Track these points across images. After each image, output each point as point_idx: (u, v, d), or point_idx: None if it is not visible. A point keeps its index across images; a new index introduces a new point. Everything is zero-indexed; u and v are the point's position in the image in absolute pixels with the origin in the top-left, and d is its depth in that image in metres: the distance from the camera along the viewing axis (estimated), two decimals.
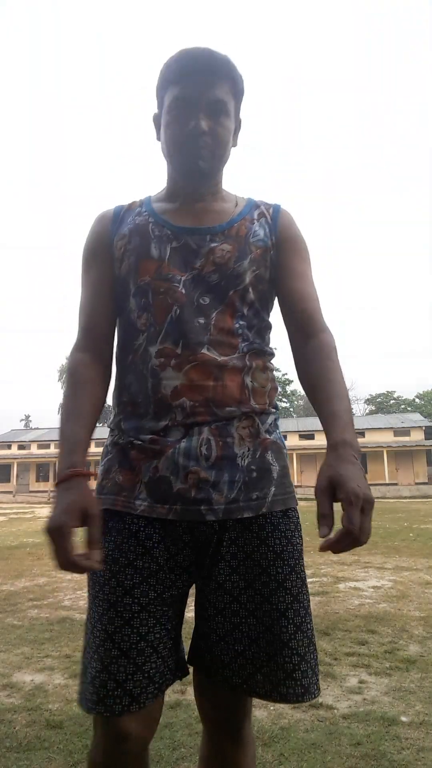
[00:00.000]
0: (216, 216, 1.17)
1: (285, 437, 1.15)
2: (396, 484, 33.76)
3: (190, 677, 1.14)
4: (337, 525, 0.89)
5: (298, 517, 1.12)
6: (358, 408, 65.89)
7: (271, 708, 2.52)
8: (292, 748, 2.15)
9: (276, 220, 1.21)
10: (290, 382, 56.66)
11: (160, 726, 1.25)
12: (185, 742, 2.19)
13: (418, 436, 37.79)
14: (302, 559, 1.10)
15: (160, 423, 1.06)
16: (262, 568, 1.05)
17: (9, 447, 43.72)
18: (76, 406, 1.09)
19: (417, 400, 64.77)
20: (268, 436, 1.11)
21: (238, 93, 1.17)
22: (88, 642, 1.06)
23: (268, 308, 1.20)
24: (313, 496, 0.96)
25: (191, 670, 1.13)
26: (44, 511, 20.91)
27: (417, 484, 33.97)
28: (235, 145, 1.22)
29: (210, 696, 1.12)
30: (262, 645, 1.04)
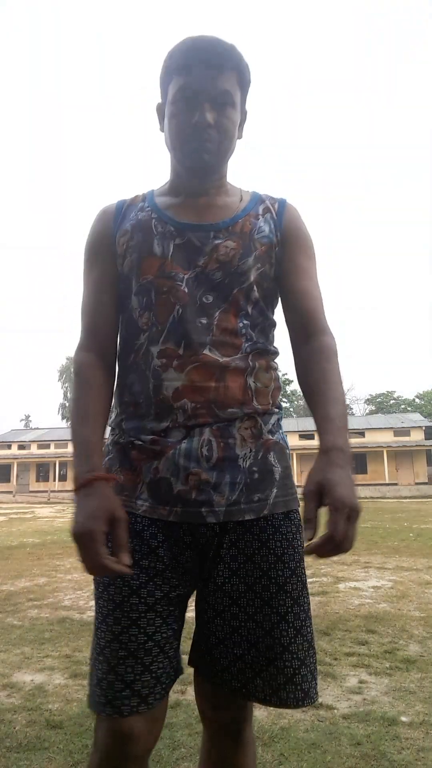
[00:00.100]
0: (220, 211, 1.15)
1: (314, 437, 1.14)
2: (396, 484, 33.75)
3: (190, 677, 1.14)
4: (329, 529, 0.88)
5: (299, 519, 1.10)
6: (359, 408, 65.90)
7: (271, 708, 2.52)
8: (292, 748, 2.15)
9: (281, 215, 1.18)
10: (290, 382, 56.61)
11: None
12: (185, 742, 2.19)
13: (418, 436, 37.77)
14: (303, 561, 1.09)
15: (162, 424, 1.05)
16: (262, 571, 1.04)
17: (9, 447, 43.70)
18: (87, 409, 1.08)
19: (417, 400, 64.77)
20: (270, 437, 1.10)
21: (244, 83, 1.14)
22: (95, 643, 1.05)
23: (273, 306, 1.18)
24: None
25: (191, 670, 1.13)
26: (44, 511, 20.90)
27: (417, 484, 33.96)
28: (240, 137, 1.18)
29: (210, 697, 1.11)
30: (262, 649, 1.03)
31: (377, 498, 28.73)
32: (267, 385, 1.11)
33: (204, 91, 1.08)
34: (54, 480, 39.19)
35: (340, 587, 5.25)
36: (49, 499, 32.19)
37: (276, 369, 1.16)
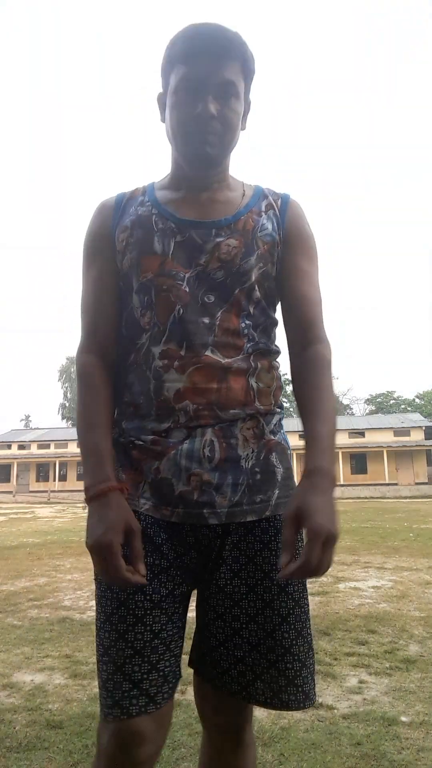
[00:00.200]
0: (222, 207, 1.12)
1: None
2: (396, 484, 33.75)
3: (190, 677, 1.14)
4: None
5: None
6: (359, 408, 65.92)
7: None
8: (292, 748, 2.15)
9: (284, 212, 1.15)
10: (290, 382, 56.67)
11: None
12: (185, 742, 2.18)
13: (418, 436, 37.78)
14: None
15: (162, 424, 1.04)
16: (264, 573, 1.04)
17: (9, 447, 43.71)
18: (94, 415, 1.07)
19: (417, 400, 64.77)
20: (272, 437, 1.09)
21: (248, 73, 1.10)
22: (99, 644, 1.02)
23: (275, 304, 1.16)
24: None
25: (191, 670, 1.12)
26: (44, 511, 20.90)
27: (417, 484, 33.96)
28: (244, 128, 1.15)
29: (211, 699, 1.10)
30: (263, 651, 1.03)
31: (377, 498, 28.73)
32: (269, 385, 1.10)
33: (207, 82, 1.05)
34: (54, 480, 39.20)
35: (340, 587, 5.25)
36: (49, 499, 32.20)
37: (277, 368, 1.15)
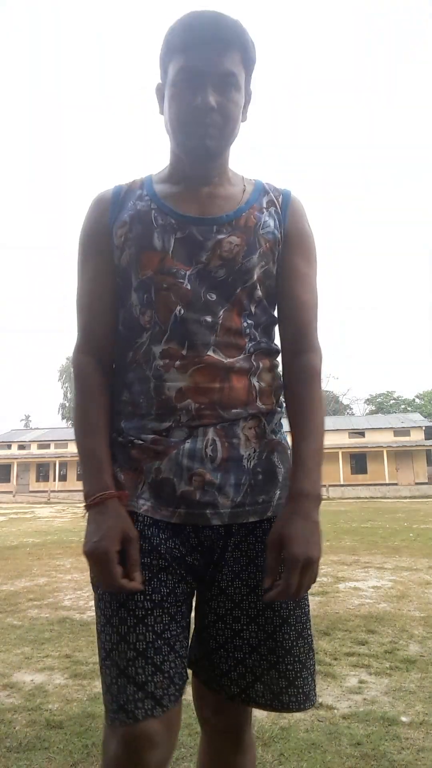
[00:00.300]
0: (223, 203, 1.10)
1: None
2: (396, 484, 33.74)
3: (189, 677, 1.14)
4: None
5: None
6: (359, 408, 65.92)
7: None
8: (292, 748, 2.15)
9: (285, 210, 1.13)
10: None
11: None
12: (185, 742, 2.18)
13: (418, 436, 37.78)
14: None
15: (163, 424, 1.03)
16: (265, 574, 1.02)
17: (9, 447, 43.71)
18: (92, 419, 1.06)
19: (417, 400, 64.75)
20: (274, 437, 1.08)
21: (249, 62, 1.08)
22: (100, 648, 1.00)
23: (275, 303, 1.15)
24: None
25: (191, 671, 1.11)
26: (44, 511, 20.90)
27: (417, 484, 33.95)
28: (244, 120, 1.12)
29: (210, 702, 1.09)
30: (263, 653, 1.02)
31: (377, 498, 28.72)
32: (270, 384, 1.09)
33: (206, 72, 1.02)
34: (54, 480, 39.20)
35: (340, 587, 5.25)
36: (49, 499, 32.19)
37: (278, 367, 1.14)
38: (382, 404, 64.20)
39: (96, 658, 3.11)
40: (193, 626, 1.09)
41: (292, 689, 1.01)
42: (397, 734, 2.25)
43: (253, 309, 1.08)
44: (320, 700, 2.59)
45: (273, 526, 1.01)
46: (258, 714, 2.41)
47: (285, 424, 1.18)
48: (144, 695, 0.92)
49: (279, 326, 1.15)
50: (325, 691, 2.71)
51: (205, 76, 1.02)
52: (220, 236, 1.06)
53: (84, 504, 1.01)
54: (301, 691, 1.02)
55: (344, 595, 4.91)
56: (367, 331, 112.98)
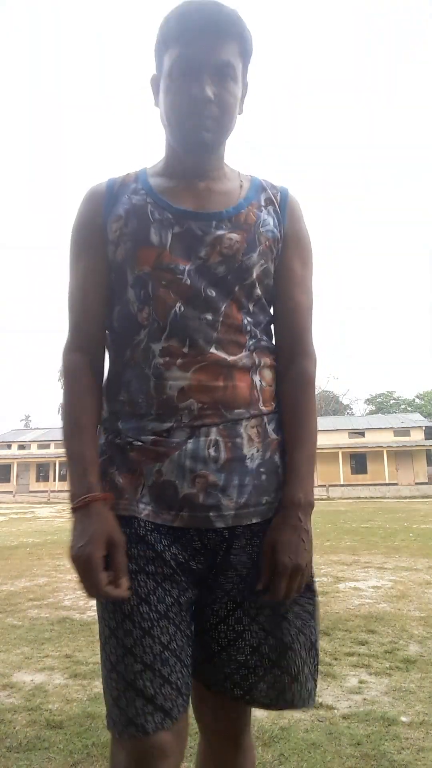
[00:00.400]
0: (221, 198, 1.07)
1: None
2: (396, 484, 33.74)
3: None
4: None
5: None
6: (358, 408, 65.92)
7: None
8: (292, 748, 2.15)
9: (284, 209, 1.11)
10: None
11: None
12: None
13: (418, 436, 37.78)
14: None
15: (164, 424, 0.99)
16: None
17: (9, 447, 43.72)
18: (81, 419, 1.03)
19: (417, 400, 64.76)
20: (276, 436, 1.07)
21: (246, 53, 1.05)
22: (105, 660, 0.98)
23: (272, 303, 1.13)
24: (317, 497, 0.98)
25: None
26: (44, 511, 20.90)
27: (417, 484, 33.95)
28: (241, 112, 1.09)
29: (210, 706, 1.07)
30: (264, 651, 1.01)
31: (377, 498, 28.72)
32: (271, 383, 1.08)
33: (203, 63, 1.00)
34: (54, 480, 39.20)
35: (340, 587, 5.24)
36: (49, 499, 32.19)
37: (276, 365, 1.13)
38: (382, 404, 64.19)
39: (96, 658, 3.12)
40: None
41: (296, 685, 1.01)
42: (397, 734, 2.25)
43: (251, 307, 1.06)
44: (320, 700, 2.58)
45: (266, 534, 1.01)
46: (258, 714, 2.41)
47: None
48: (153, 708, 0.91)
49: (275, 328, 1.14)
50: (325, 691, 2.71)
51: (202, 67, 1.00)
52: (220, 232, 1.03)
53: (70, 507, 0.99)
54: (304, 687, 1.02)
55: (344, 595, 4.91)
56: (367, 331, 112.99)
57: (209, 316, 1.01)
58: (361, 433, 38.46)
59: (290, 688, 1.01)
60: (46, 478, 40.31)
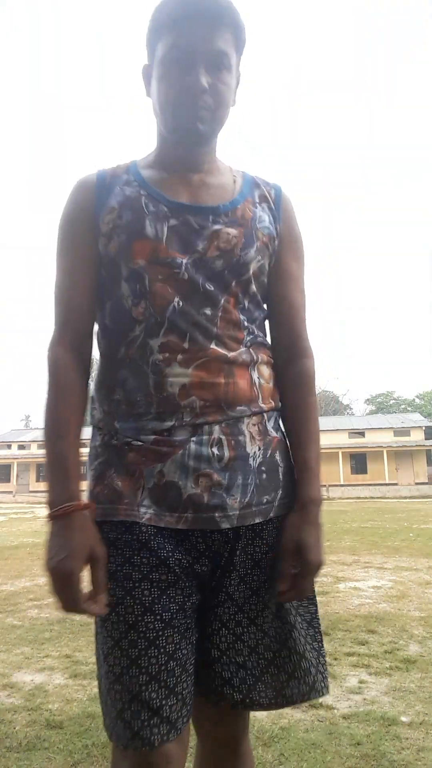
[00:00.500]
0: (216, 192, 1.05)
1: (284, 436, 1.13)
2: (396, 484, 33.73)
3: None
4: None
5: None
6: (358, 408, 65.91)
7: None
8: (292, 748, 2.15)
9: (279, 206, 1.10)
10: None
11: None
12: None
13: (418, 436, 37.77)
14: None
15: (165, 423, 0.96)
16: (267, 576, 1.01)
17: (9, 447, 43.70)
18: (65, 420, 0.98)
19: (417, 400, 64.76)
20: (276, 434, 1.06)
21: (240, 43, 1.03)
22: (107, 671, 0.94)
23: (265, 300, 1.12)
24: None
25: None
26: (44, 512, 20.86)
27: (417, 484, 33.95)
28: (234, 104, 1.06)
29: (210, 714, 1.05)
30: (261, 651, 1.00)
31: (377, 498, 28.71)
32: (268, 380, 1.07)
33: (198, 51, 0.97)
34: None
35: (340, 587, 5.24)
36: None
37: (272, 362, 1.11)
38: (382, 404, 64.19)
39: None
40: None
41: (293, 681, 1.00)
42: (397, 734, 2.25)
43: (246, 303, 1.05)
44: (320, 700, 2.58)
45: (286, 533, 1.01)
46: (258, 714, 2.41)
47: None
48: (159, 720, 0.89)
49: (271, 328, 1.14)
50: None
51: (197, 56, 0.98)
52: (217, 226, 1.02)
53: (47, 514, 0.95)
54: (303, 682, 1.00)
55: (344, 595, 4.90)
56: (367, 331, 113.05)
57: (208, 311, 0.99)
58: (361, 433, 38.46)
59: (288, 684, 1.00)
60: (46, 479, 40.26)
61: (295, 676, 1.01)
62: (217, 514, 0.96)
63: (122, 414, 1.00)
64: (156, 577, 0.94)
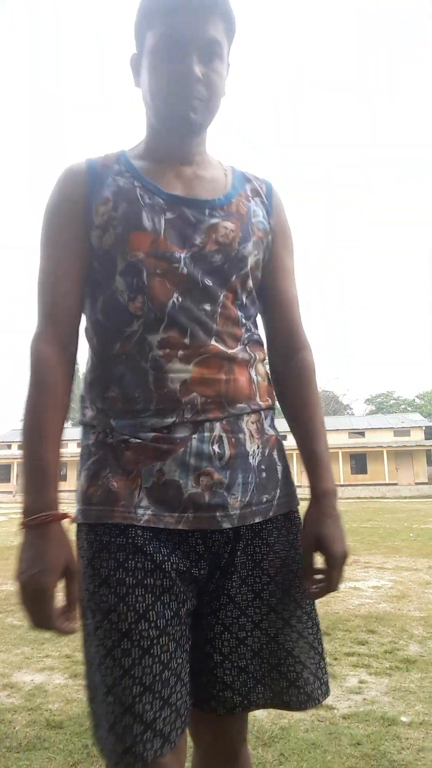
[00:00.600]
0: (210, 186, 1.04)
1: (285, 437, 1.13)
2: (396, 484, 33.74)
3: None
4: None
5: (299, 519, 1.06)
6: (358, 408, 65.92)
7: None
8: (292, 748, 2.15)
9: (270, 201, 1.10)
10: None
11: None
12: None
13: (418, 436, 37.77)
14: None
15: (165, 420, 0.93)
16: (270, 577, 0.99)
17: (9, 447, 43.73)
18: (46, 420, 0.93)
19: (417, 400, 64.76)
20: (272, 432, 1.05)
21: (231, 32, 1.01)
22: (99, 682, 0.89)
23: (259, 294, 1.11)
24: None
25: None
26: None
27: (417, 484, 33.96)
28: (224, 94, 1.04)
29: (207, 721, 1.02)
30: (265, 656, 0.97)
31: (377, 498, 28.73)
32: (264, 378, 1.06)
33: (191, 40, 0.95)
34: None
35: (340, 587, 5.23)
36: None
37: (266, 360, 1.11)
38: (382, 404, 64.20)
39: None
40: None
41: (293, 689, 0.97)
42: (397, 734, 2.25)
43: (244, 299, 1.03)
44: None
45: (305, 528, 1.01)
46: (258, 714, 2.41)
47: (283, 424, 1.17)
48: (153, 734, 0.85)
49: (267, 323, 1.13)
50: None
51: (190, 44, 0.95)
52: (214, 220, 1.00)
53: (21, 522, 0.89)
54: (302, 691, 0.98)
55: (344, 595, 4.90)
56: (368, 331, 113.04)
57: (208, 307, 0.97)
58: (361, 433, 38.47)
59: (287, 691, 0.97)
60: None
61: (296, 685, 0.98)
62: (218, 514, 0.93)
63: (118, 411, 0.96)
64: (150, 582, 0.90)
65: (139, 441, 0.94)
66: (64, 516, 0.90)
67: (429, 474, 36.25)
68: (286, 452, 1.10)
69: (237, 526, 0.96)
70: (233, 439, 0.96)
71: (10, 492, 37.14)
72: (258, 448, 1.00)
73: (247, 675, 0.97)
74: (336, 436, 36.56)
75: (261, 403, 1.03)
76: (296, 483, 1.11)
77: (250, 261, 1.02)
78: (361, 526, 12.17)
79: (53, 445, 0.92)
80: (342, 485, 32.91)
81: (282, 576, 1.00)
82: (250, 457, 0.98)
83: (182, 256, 0.97)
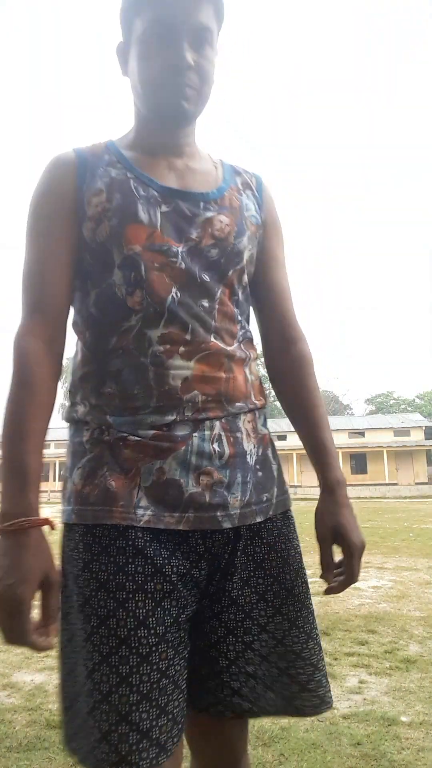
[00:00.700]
0: (203, 179, 1.02)
1: (285, 437, 1.14)
2: (396, 484, 33.74)
3: None
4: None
5: (293, 518, 1.05)
6: (358, 408, 65.93)
7: None
8: (292, 748, 2.15)
9: (261, 194, 1.09)
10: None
11: None
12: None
13: (418, 436, 37.78)
14: (302, 561, 1.03)
15: (165, 417, 0.91)
16: (273, 577, 0.97)
17: None
18: (29, 419, 0.88)
19: (417, 400, 64.79)
20: (265, 431, 1.04)
21: (220, 18, 0.99)
22: (90, 690, 0.84)
23: (252, 288, 1.10)
24: (315, 496, 1.01)
25: None
26: (44, 512, 20.81)
27: (417, 484, 33.95)
28: (214, 82, 1.02)
29: (207, 731, 1.00)
30: (274, 660, 0.95)
31: (377, 498, 28.72)
32: (257, 377, 1.05)
33: (181, 26, 0.92)
34: (54, 480, 39.23)
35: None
36: (49, 499, 32.19)
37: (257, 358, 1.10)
38: (382, 404, 64.22)
39: None
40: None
41: (305, 693, 0.94)
42: (397, 734, 2.25)
43: (240, 295, 1.02)
44: None
45: (319, 519, 1.01)
46: None
47: (284, 424, 1.17)
48: (149, 743, 0.82)
49: (261, 316, 1.12)
50: None
51: (180, 31, 0.93)
52: (209, 213, 0.98)
53: None
54: (315, 694, 0.95)
55: (344, 595, 4.90)
56: (367, 331, 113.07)
57: (206, 303, 0.95)
58: (361, 433, 38.48)
59: (299, 696, 0.94)
60: (46, 478, 40.31)
61: (308, 689, 0.95)
62: (218, 513, 0.91)
63: (116, 407, 0.93)
64: (151, 587, 0.86)
65: (138, 438, 0.91)
66: (45, 522, 0.85)
67: (429, 474, 36.26)
68: (282, 453, 1.09)
69: (237, 525, 0.94)
70: (232, 438, 0.95)
71: None
72: (254, 447, 1.00)
73: (255, 681, 0.95)
74: (336, 436, 36.25)
75: (256, 402, 1.02)
76: (296, 483, 1.11)
77: (245, 255, 1.02)
78: (361, 526, 12.09)
79: (35, 446, 0.87)
80: None
81: (285, 575, 0.98)
82: (248, 456, 0.97)
83: (179, 250, 0.95)
